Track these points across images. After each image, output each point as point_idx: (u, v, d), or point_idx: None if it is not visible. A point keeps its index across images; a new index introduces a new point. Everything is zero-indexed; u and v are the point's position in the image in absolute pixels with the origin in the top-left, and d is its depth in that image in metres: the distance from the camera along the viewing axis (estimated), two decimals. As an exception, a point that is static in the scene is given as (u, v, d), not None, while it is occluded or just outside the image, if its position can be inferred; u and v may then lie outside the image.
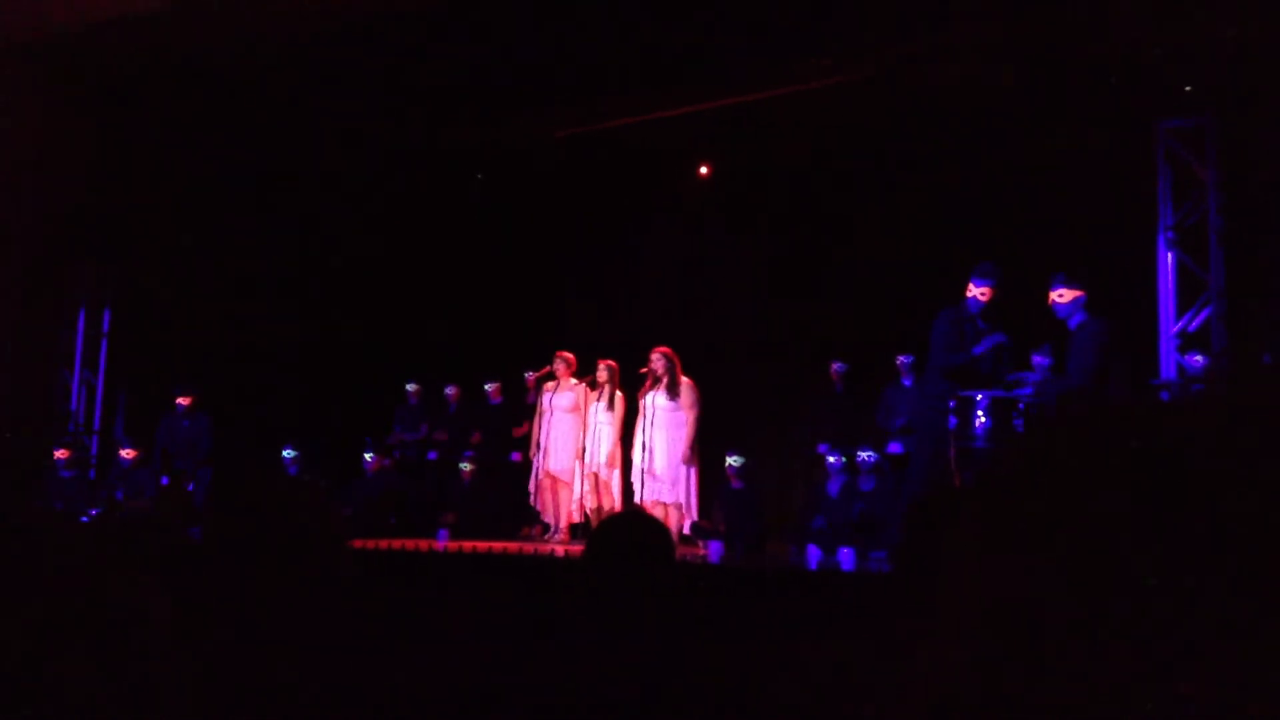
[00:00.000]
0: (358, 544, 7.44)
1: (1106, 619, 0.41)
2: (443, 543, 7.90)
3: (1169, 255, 8.23)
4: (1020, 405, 5.90)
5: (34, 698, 0.71)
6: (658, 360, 8.21)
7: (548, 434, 8.78)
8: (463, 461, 9.73)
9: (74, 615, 0.75)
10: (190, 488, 9.49)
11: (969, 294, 6.35)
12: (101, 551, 0.79)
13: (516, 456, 9.71)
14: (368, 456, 9.85)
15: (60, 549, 0.78)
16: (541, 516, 8.96)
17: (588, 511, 8.60)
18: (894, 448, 8.61)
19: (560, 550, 7.61)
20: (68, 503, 9.05)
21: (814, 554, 7.57)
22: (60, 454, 9.50)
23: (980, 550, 0.47)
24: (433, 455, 10.27)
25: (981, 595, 0.46)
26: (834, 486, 8.32)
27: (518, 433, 9.66)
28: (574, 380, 8.82)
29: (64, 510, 8.68)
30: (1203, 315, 8.07)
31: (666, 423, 8.19)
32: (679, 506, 8.20)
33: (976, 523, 0.49)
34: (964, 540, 0.49)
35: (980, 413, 5.89)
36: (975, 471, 5.83)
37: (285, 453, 9.63)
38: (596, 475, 8.51)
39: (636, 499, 8.15)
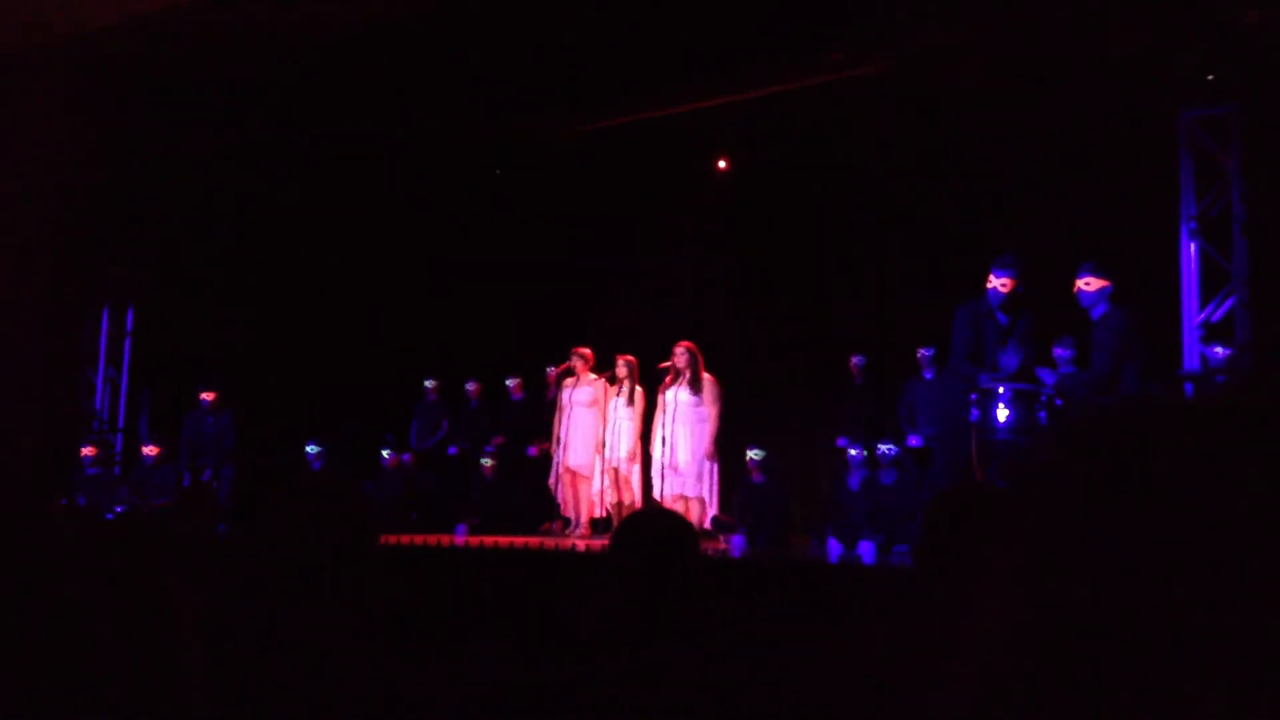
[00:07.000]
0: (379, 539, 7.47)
1: (1144, 627, 0.41)
2: (462, 538, 7.92)
3: (1192, 245, 8.16)
4: (1043, 398, 5.86)
5: (57, 695, 0.72)
6: (680, 355, 8.20)
7: (568, 429, 8.79)
8: (484, 457, 9.76)
9: (99, 612, 0.75)
10: (214, 484, 9.56)
11: (989, 285, 6.31)
12: (126, 548, 0.79)
13: (534, 451, 9.73)
14: (385, 454, 9.90)
15: (85, 546, 0.79)
16: (562, 511, 8.98)
17: (608, 506, 8.61)
18: (913, 440, 8.58)
19: (581, 545, 7.62)
20: (93, 500, 9.13)
21: (835, 548, 7.54)
22: (85, 451, 9.59)
23: (1019, 554, 0.47)
24: (453, 450, 10.32)
25: (1022, 600, 0.46)
26: (855, 480, 8.28)
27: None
28: (593, 375, 8.83)
29: (89, 507, 8.76)
30: (1226, 305, 8.00)
31: (689, 418, 8.17)
32: (700, 501, 8.19)
33: (1016, 527, 0.48)
34: (1001, 543, 0.49)
35: (1002, 405, 5.85)
36: (1000, 466, 5.80)
37: (309, 448, 9.68)
38: (616, 470, 8.51)
39: (656, 494, 8.15)
